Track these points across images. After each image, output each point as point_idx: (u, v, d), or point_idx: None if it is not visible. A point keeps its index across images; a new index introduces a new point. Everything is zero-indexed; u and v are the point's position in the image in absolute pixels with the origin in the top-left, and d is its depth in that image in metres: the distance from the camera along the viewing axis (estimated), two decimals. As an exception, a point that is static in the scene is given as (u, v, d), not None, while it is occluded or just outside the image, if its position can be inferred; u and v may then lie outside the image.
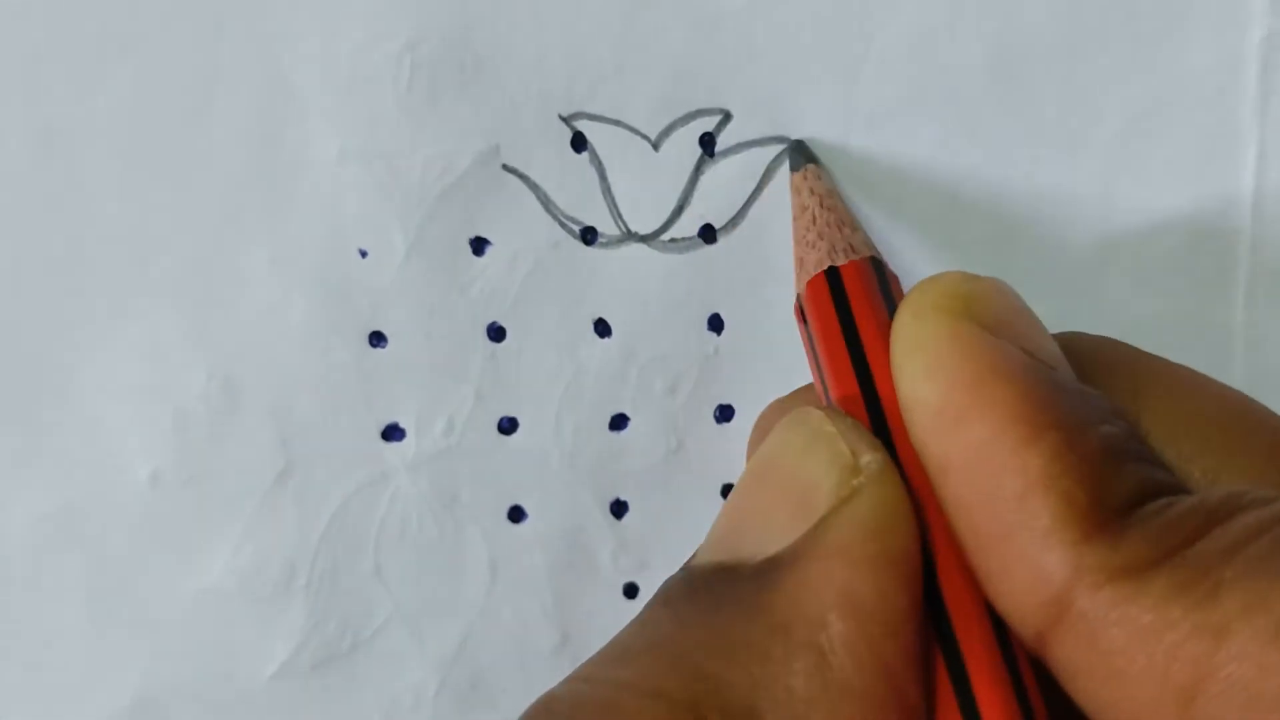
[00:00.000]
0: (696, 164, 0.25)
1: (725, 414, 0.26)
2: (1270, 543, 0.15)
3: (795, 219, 0.23)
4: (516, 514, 0.26)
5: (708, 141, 0.25)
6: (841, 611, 0.16)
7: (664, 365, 0.26)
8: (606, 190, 0.25)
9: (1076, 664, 0.16)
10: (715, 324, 0.25)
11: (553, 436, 0.26)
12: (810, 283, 0.21)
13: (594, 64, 0.24)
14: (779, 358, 0.25)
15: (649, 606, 0.18)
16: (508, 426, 0.26)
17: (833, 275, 0.20)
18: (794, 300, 0.22)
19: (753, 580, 0.17)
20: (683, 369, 0.26)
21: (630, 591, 0.26)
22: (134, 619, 0.26)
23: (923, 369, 0.17)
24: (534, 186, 0.25)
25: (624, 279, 0.25)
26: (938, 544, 0.17)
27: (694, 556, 0.19)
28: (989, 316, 0.18)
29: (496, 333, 0.25)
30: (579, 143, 0.25)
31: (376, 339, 0.25)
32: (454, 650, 0.26)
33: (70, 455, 0.25)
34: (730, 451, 0.26)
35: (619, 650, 0.17)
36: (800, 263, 0.22)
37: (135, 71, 0.24)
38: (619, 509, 0.26)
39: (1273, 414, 0.19)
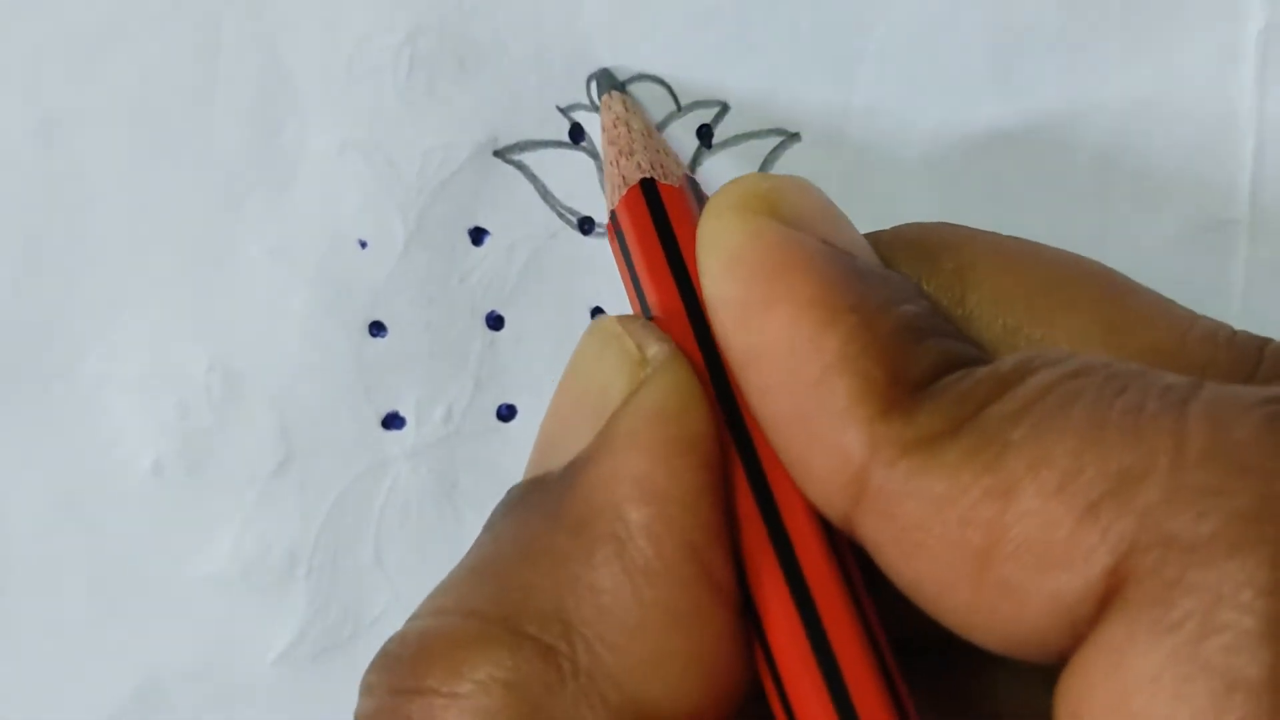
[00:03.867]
0: (694, 155, 0.25)
1: (723, 404, 0.26)
2: (1056, 400, 0.15)
3: (607, 132, 0.23)
4: (516, 502, 0.26)
5: (705, 133, 0.25)
6: (635, 499, 0.16)
7: (662, 355, 0.26)
8: (604, 181, 0.25)
9: (880, 541, 0.16)
10: (712, 314, 0.25)
11: (551, 425, 0.26)
12: (628, 194, 0.20)
13: (592, 56, 0.24)
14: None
15: (477, 538, 0.18)
16: (506, 414, 0.26)
17: (649, 187, 0.20)
18: (606, 217, 0.21)
19: (555, 486, 0.17)
20: (680, 359, 0.26)
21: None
22: (137, 607, 0.26)
23: (722, 265, 0.17)
24: (532, 177, 0.25)
25: (622, 269, 0.25)
26: (759, 437, 0.17)
27: None
28: (788, 212, 0.18)
29: (495, 321, 0.26)
30: (577, 134, 0.25)
31: (376, 328, 0.25)
32: (454, 637, 0.27)
33: (73, 444, 0.25)
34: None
35: (445, 582, 0.18)
36: (611, 177, 0.22)
37: (135, 63, 0.24)
38: (616, 498, 0.26)
39: (1099, 271, 0.19)
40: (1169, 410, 0.14)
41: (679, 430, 0.17)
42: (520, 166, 0.25)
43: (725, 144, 0.25)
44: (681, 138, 0.25)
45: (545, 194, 0.25)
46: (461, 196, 0.25)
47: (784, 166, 0.25)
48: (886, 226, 0.25)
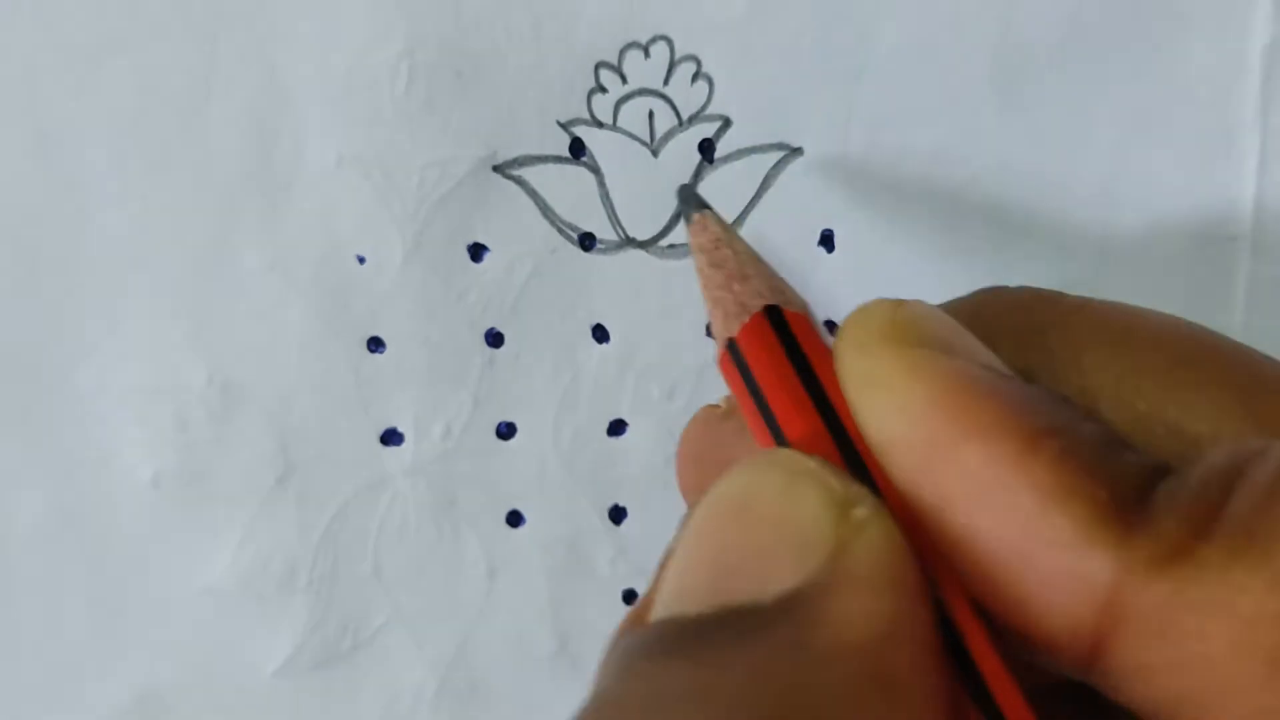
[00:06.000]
0: (696, 170, 0.25)
1: (723, 419, 0.26)
2: None
3: (707, 254, 0.21)
4: (515, 519, 0.26)
5: (707, 148, 0.25)
6: (896, 642, 0.15)
7: (662, 371, 0.26)
8: (605, 196, 0.25)
9: (1147, 663, 0.15)
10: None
11: (550, 442, 0.26)
12: (753, 321, 0.19)
13: (592, 70, 0.24)
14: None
15: (623, 678, 0.16)
16: (505, 431, 0.26)
17: (774, 314, 0.19)
18: (719, 349, 0.20)
19: (781, 617, 0.16)
20: (680, 375, 0.26)
21: (630, 598, 0.27)
22: (137, 618, 0.26)
23: (889, 405, 0.16)
24: (532, 193, 0.25)
25: (622, 285, 0.25)
26: (941, 578, 0.17)
27: (644, 612, 0.17)
28: (931, 338, 0.17)
29: (494, 338, 0.25)
30: (577, 149, 0.24)
31: (375, 344, 0.25)
32: (452, 653, 0.27)
33: (73, 457, 0.25)
34: (728, 456, 0.26)
35: (661, 701, 0.15)
36: (722, 302, 0.20)
37: (133, 77, 0.24)
38: (617, 515, 0.26)
39: (1215, 341, 0.18)
40: None
41: (915, 575, 0.16)
42: (520, 182, 0.25)
43: (727, 158, 0.25)
44: (683, 152, 0.25)
45: (545, 209, 0.25)
46: (460, 212, 0.25)
47: (786, 181, 0.25)
48: (890, 238, 0.25)
